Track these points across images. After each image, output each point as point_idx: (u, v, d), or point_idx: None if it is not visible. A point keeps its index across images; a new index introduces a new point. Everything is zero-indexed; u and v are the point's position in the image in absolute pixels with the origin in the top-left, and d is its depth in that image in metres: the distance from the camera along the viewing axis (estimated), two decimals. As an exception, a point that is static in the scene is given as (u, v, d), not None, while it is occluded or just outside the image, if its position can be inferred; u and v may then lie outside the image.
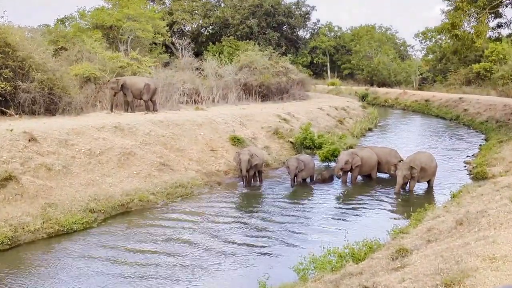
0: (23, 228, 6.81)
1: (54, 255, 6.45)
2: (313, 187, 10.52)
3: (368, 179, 11.08)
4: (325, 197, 9.73)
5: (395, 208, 8.97)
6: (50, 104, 12.24)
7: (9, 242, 6.50)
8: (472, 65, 30.46)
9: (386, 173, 11.09)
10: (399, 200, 9.57)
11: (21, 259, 6.25)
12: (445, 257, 4.10)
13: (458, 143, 16.41)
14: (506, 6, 15.85)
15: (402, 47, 47.83)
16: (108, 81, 13.82)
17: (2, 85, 11.11)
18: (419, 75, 37.66)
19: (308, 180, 10.81)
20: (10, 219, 6.80)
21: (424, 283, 3.74)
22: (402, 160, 10.73)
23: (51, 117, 11.70)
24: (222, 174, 10.96)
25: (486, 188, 7.22)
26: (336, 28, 47.45)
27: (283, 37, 35.32)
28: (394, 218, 7.95)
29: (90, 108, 13.63)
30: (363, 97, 30.40)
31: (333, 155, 12.03)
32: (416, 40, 60.48)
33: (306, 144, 13.58)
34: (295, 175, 10.17)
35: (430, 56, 39.85)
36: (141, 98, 13.59)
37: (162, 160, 10.11)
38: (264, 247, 6.86)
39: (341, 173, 10.46)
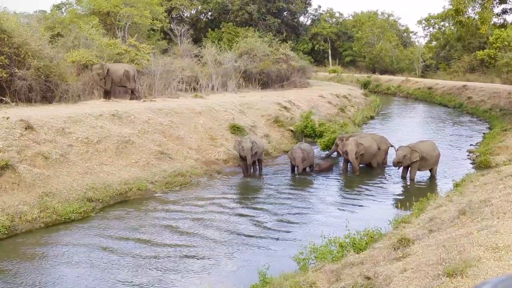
0: (20, 217, 6.75)
1: (51, 245, 6.41)
2: (313, 176, 10.43)
3: (368, 167, 10.99)
4: (326, 187, 9.66)
5: (396, 197, 8.90)
6: (47, 92, 12.08)
7: (6, 231, 6.45)
8: (476, 52, 30.00)
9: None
10: (401, 189, 9.50)
11: (18, 248, 6.20)
12: (448, 247, 4.04)
13: (461, 132, 16.27)
14: (512, -8, 15.46)
15: (405, 34, 47.17)
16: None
17: (-2, 73, 10.94)
18: (422, 62, 37.22)
19: (308, 169, 10.72)
20: (7, 208, 6.74)
21: (426, 273, 3.68)
22: (392, 146, 10.82)
23: (48, 105, 11.55)
24: (221, 163, 10.87)
25: (490, 177, 7.13)
26: (337, 15, 46.76)
27: (283, 23, 34.78)
28: (396, 208, 7.87)
29: (88, 95, 13.46)
30: (365, 85, 30.09)
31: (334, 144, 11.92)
32: (419, 26, 59.78)
33: (306, 132, 13.44)
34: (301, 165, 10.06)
35: (434, 43, 39.26)
36: (123, 86, 13.40)
37: (161, 148, 10.00)
38: (264, 236, 6.81)
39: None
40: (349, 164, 10.67)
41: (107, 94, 13.36)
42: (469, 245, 3.88)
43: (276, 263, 5.55)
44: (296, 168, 10.30)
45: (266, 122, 13.91)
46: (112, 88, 13.53)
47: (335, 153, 12.38)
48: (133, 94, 13.59)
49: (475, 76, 28.72)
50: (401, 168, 9.75)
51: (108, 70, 13.04)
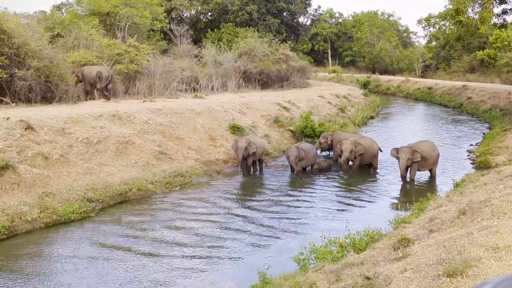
0: (20, 217, 6.74)
1: (52, 245, 6.41)
2: (313, 176, 10.43)
3: (369, 168, 10.99)
4: (326, 187, 9.65)
5: (397, 198, 8.90)
6: (47, 92, 12.07)
7: (6, 232, 6.44)
8: (476, 52, 30.04)
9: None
10: (401, 189, 9.49)
11: (18, 248, 6.20)
12: (448, 247, 4.04)
13: (461, 132, 16.27)
14: (512, -8, 15.47)
15: (405, 34, 47.20)
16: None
17: (-2, 73, 10.94)
18: (422, 62, 37.22)
19: (308, 169, 10.72)
20: (7, 209, 6.73)
21: (426, 273, 3.68)
22: (381, 150, 10.74)
23: (48, 105, 11.55)
24: (221, 163, 10.87)
25: (490, 177, 7.13)
26: (337, 15, 46.81)
27: (283, 23, 34.83)
28: (396, 208, 7.88)
29: (88, 96, 13.46)
30: (364, 85, 30.09)
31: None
32: (419, 26, 59.80)
33: (306, 132, 13.46)
34: (295, 164, 10.09)
35: (434, 43, 39.28)
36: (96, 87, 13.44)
37: (161, 149, 10.00)
38: (264, 236, 6.81)
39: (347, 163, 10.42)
40: (349, 163, 10.69)
41: (87, 95, 13.38)
42: (469, 245, 3.88)
43: (276, 263, 5.55)
44: (295, 167, 10.33)
45: (266, 122, 13.91)
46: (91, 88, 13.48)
47: (333, 153, 12.39)
48: (105, 94, 13.53)
49: (475, 76, 28.74)
50: (403, 167, 9.59)
51: (83, 73, 13.12)
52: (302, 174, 10.17)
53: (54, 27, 17.78)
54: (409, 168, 9.53)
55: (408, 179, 9.64)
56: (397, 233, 5.36)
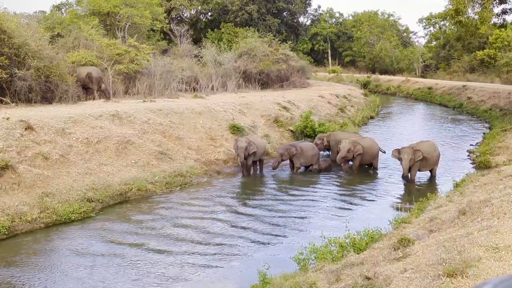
0: (20, 217, 6.75)
1: (52, 245, 6.41)
2: (313, 176, 10.43)
3: (370, 168, 10.99)
4: (326, 187, 9.66)
5: (397, 198, 8.89)
6: (47, 92, 12.06)
7: (6, 232, 6.45)
8: (476, 52, 30.03)
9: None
10: (401, 189, 9.49)
11: (18, 249, 6.21)
12: (448, 247, 4.04)
13: (461, 132, 16.27)
14: (512, -9, 15.48)
15: (405, 34, 47.19)
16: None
17: (-2, 73, 10.93)
18: (422, 62, 37.22)
19: (310, 168, 10.74)
20: (7, 209, 6.74)
21: (426, 273, 3.68)
22: (383, 152, 10.73)
23: (48, 105, 11.54)
24: (221, 163, 10.87)
25: (490, 177, 7.14)
26: (337, 15, 46.80)
27: (283, 23, 34.80)
28: (396, 208, 7.88)
29: (88, 96, 13.45)
30: (364, 85, 30.07)
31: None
32: (419, 25, 59.83)
33: (306, 132, 13.47)
34: (279, 161, 10.21)
35: (434, 43, 39.28)
36: (88, 87, 13.36)
37: (161, 149, 10.01)
38: (264, 236, 6.81)
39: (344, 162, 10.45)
40: (349, 163, 10.70)
41: (86, 95, 13.40)
42: (469, 245, 3.88)
43: (276, 263, 5.54)
44: (294, 167, 10.37)
45: (266, 122, 13.91)
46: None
47: (332, 153, 12.39)
48: (99, 94, 13.51)
49: (475, 76, 28.72)
50: (406, 168, 9.52)
51: (75, 73, 13.16)
52: (296, 171, 10.23)
53: (54, 27, 17.79)
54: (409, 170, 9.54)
55: (409, 179, 9.65)
56: (397, 233, 5.36)
